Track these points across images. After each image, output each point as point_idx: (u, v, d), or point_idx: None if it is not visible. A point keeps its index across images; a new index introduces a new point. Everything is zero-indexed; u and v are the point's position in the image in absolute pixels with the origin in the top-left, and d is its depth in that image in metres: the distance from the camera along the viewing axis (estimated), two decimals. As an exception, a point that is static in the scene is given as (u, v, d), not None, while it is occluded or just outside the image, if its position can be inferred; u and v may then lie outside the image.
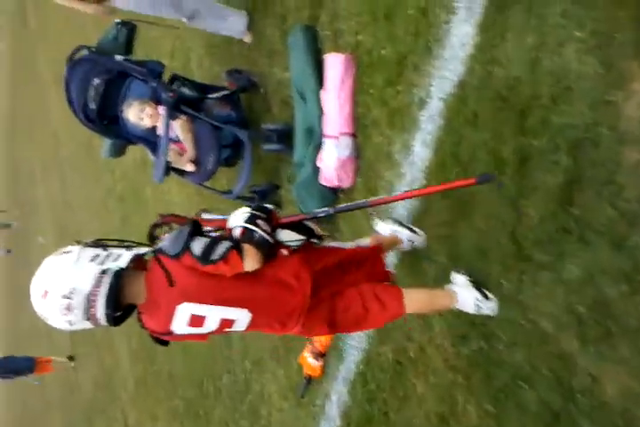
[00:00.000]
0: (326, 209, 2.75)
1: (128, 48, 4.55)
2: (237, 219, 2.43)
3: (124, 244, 2.31)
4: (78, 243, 2.25)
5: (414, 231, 3.12)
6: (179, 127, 4.34)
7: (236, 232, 2.38)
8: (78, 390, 12.12)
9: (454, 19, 2.88)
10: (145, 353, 7.83)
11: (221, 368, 5.58)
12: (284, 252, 2.49)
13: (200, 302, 2.25)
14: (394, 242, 3.11)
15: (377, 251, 2.92)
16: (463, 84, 2.85)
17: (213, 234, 2.47)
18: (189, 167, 4.43)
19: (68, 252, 2.19)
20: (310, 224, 2.72)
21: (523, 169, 2.52)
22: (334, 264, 2.62)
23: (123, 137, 4.80)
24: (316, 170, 3.76)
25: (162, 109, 4.45)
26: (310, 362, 3.93)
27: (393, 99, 3.30)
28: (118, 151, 5.27)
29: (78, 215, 12.76)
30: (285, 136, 4.28)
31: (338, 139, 3.60)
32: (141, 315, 2.32)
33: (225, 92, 4.70)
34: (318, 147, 3.76)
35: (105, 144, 5.22)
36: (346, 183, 3.64)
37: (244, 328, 2.37)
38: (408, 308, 2.55)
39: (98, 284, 2.12)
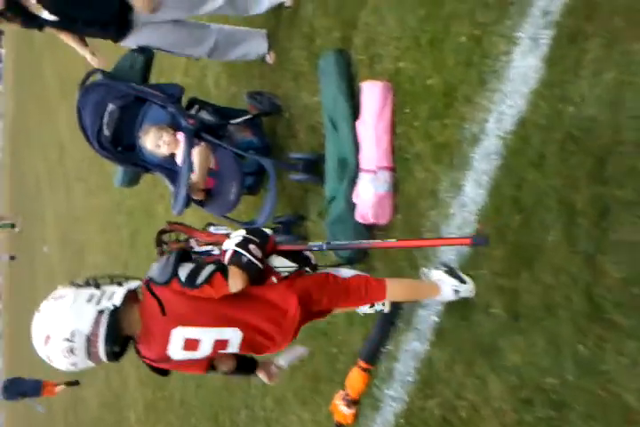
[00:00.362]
0: (320, 244, 2.78)
1: (145, 76, 4.29)
2: (231, 242, 2.52)
3: (114, 280, 2.40)
4: (72, 284, 2.36)
5: (462, 280, 2.85)
6: (196, 154, 4.07)
7: (227, 254, 2.47)
8: (83, 405, 11.85)
9: (516, 50, 2.61)
10: (154, 379, 7.55)
11: (239, 402, 5.29)
12: (274, 279, 2.56)
13: (192, 325, 2.38)
14: (431, 291, 2.89)
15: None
16: (525, 121, 2.57)
17: (206, 249, 2.70)
18: (199, 196, 4.15)
19: (63, 296, 2.29)
20: (309, 253, 2.82)
21: (602, 222, 2.24)
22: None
23: (139, 165, 4.53)
24: (351, 205, 3.48)
25: (181, 136, 4.19)
26: (342, 410, 3.65)
27: (439, 133, 3.03)
28: (132, 180, 5.00)
29: (84, 228, 12.51)
30: (313, 165, 4.01)
31: (375, 173, 3.33)
32: (138, 345, 2.44)
33: (247, 117, 4.44)
34: (352, 180, 3.49)
35: (118, 172, 4.95)
36: (382, 220, 3.37)
37: (236, 348, 2.47)
38: (390, 295, 2.76)
39: (97, 324, 2.25)
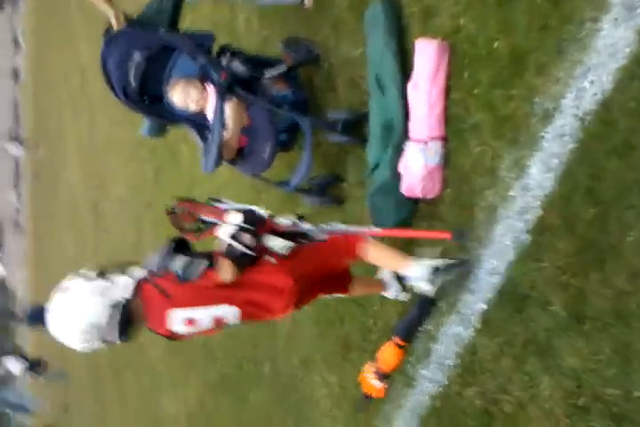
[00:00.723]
0: (313, 228, 2.90)
1: (173, 21, 3.95)
2: (224, 232, 2.67)
3: (120, 269, 2.59)
4: (82, 276, 2.51)
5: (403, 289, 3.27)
6: (229, 110, 3.78)
7: (220, 244, 2.65)
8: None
9: (605, 18, 2.26)
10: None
11: (264, 355, 5.20)
12: (272, 260, 2.72)
13: (188, 306, 2.52)
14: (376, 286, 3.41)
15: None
16: (610, 102, 2.26)
17: (213, 220, 2.81)
18: (230, 155, 3.88)
19: (79, 290, 2.46)
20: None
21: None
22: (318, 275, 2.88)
23: (166, 117, 4.25)
24: (396, 176, 3.21)
25: (211, 90, 3.89)
26: (373, 383, 3.50)
27: (504, 104, 2.71)
28: (160, 130, 4.72)
29: (107, 160, 12.31)
30: (353, 126, 3.71)
31: (426, 144, 3.03)
32: (148, 325, 2.60)
33: (282, 69, 4.10)
34: (399, 148, 3.20)
35: (145, 122, 4.67)
36: (430, 195, 3.10)
37: (237, 321, 2.60)
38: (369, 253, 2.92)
39: (112, 318, 2.43)
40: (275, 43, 4.39)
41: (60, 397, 18.08)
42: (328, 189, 4.03)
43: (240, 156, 3.99)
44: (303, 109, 4.11)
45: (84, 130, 15.14)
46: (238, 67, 4.10)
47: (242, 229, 2.67)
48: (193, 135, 4.16)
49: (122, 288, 2.51)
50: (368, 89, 3.50)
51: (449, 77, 3.02)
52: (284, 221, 2.90)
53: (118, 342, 2.50)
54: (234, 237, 2.64)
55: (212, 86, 3.89)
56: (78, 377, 14.75)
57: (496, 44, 2.74)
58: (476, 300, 2.86)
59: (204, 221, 2.88)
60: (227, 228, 2.69)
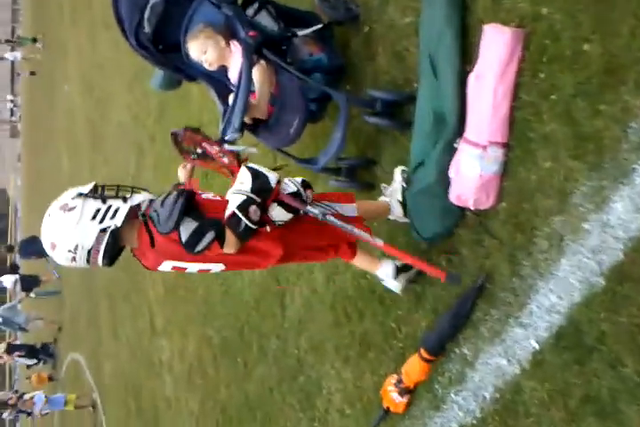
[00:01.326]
0: (317, 212, 2.76)
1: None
2: (233, 200, 2.58)
3: (120, 192, 2.57)
4: (77, 192, 2.53)
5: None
6: (257, 74, 3.33)
7: (226, 213, 2.56)
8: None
9: None
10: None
11: (269, 329, 4.94)
12: (267, 228, 2.68)
13: (179, 261, 2.66)
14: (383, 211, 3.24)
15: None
16: None
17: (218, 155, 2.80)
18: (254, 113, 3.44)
19: (72, 208, 2.48)
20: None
21: None
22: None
23: (181, 70, 3.79)
24: (444, 179, 2.81)
25: (236, 47, 3.43)
26: (393, 397, 3.25)
27: (588, 119, 2.29)
28: (173, 83, 4.24)
29: (109, 80, 11.71)
30: (396, 107, 3.28)
31: (485, 149, 2.62)
32: (136, 252, 2.71)
33: (317, 26, 3.61)
34: (450, 146, 2.78)
35: (155, 72, 4.19)
36: (483, 207, 2.72)
37: (219, 271, 2.82)
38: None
39: (99, 241, 2.49)
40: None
41: (55, 318, 18.24)
42: (358, 172, 3.63)
43: (264, 125, 3.57)
44: (338, 77, 3.67)
45: (85, 43, 14.42)
46: (268, 21, 3.62)
47: (249, 200, 2.57)
48: (211, 93, 3.73)
49: (115, 214, 2.51)
50: (418, 68, 3.04)
51: (520, 74, 2.57)
52: (291, 187, 2.76)
53: (101, 265, 2.60)
54: (240, 208, 2.55)
55: (236, 44, 3.42)
56: (74, 301, 14.73)
57: (586, 47, 2.29)
58: (527, 336, 2.54)
59: (204, 152, 2.83)
60: (234, 197, 2.59)
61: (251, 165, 2.73)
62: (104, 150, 12.16)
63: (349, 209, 3.03)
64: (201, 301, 6.57)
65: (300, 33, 3.53)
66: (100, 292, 11.95)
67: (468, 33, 2.82)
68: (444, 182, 2.81)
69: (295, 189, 2.77)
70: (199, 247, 2.48)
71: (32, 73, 29.68)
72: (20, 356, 17.56)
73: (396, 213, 3.21)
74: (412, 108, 3.19)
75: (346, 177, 3.61)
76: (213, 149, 2.84)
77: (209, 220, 2.55)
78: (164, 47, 3.71)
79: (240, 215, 2.53)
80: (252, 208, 2.56)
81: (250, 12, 3.62)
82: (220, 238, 2.52)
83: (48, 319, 18.21)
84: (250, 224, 2.54)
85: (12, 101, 47.08)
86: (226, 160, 2.82)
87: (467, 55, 2.80)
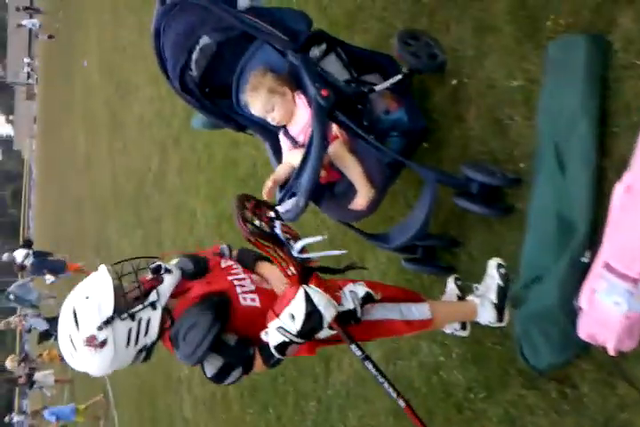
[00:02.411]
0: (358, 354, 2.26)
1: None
2: (273, 337, 2.10)
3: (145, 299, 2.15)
4: (106, 324, 2.07)
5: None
6: (332, 150, 2.77)
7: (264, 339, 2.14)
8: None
9: None
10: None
11: (309, 389, 4.41)
12: None
13: None
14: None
15: None
16: None
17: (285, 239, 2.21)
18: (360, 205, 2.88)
19: (103, 343, 2.07)
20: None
21: None
22: None
23: (230, 119, 3.22)
24: (568, 304, 2.25)
25: (302, 101, 2.87)
26: None
27: None
28: (217, 125, 3.66)
29: (131, 65, 11.10)
30: (495, 192, 2.71)
31: (636, 284, 2.06)
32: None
33: (398, 78, 3.02)
34: (577, 262, 2.23)
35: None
36: (622, 348, 2.17)
37: None
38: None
39: (136, 358, 2.18)
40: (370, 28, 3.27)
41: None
42: (436, 256, 3.07)
43: (329, 193, 3.02)
44: (418, 141, 3.09)
45: (108, 22, 13.79)
46: (337, 68, 3.05)
47: (292, 343, 2.11)
48: (265, 146, 3.18)
49: (148, 327, 2.15)
50: (536, 154, 2.47)
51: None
52: (348, 303, 2.30)
53: None
54: (280, 349, 2.13)
55: (301, 96, 2.87)
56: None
57: None
58: None
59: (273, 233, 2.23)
60: (276, 334, 2.09)
61: (312, 289, 2.11)
62: (124, 138, 11.62)
63: (420, 311, 2.54)
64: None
65: (379, 88, 2.94)
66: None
67: (608, 119, 2.25)
68: (568, 308, 2.25)
69: (352, 306, 2.29)
70: (224, 383, 2.18)
71: (50, 36, 29.24)
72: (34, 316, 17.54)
73: (487, 317, 2.67)
74: (516, 192, 2.64)
75: (423, 258, 3.05)
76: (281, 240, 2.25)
77: (238, 349, 2.18)
78: (210, 91, 3.15)
79: (276, 354, 2.15)
80: (292, 348, 2.16)
81: (315, 53, 3.03)
82: (247, 371, 2.19)
83: (60, 298, 17.89)
84: (282, 358, 2.19)
85: (28, 65, 46.65)
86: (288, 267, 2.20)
87: (604, 146, 2.23)
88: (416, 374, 3.27)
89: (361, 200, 2.81)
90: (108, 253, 12.27)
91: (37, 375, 18.80)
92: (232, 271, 2.38)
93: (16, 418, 22.09)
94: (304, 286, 2.10)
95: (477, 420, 2.86)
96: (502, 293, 2.63)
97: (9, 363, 19.59)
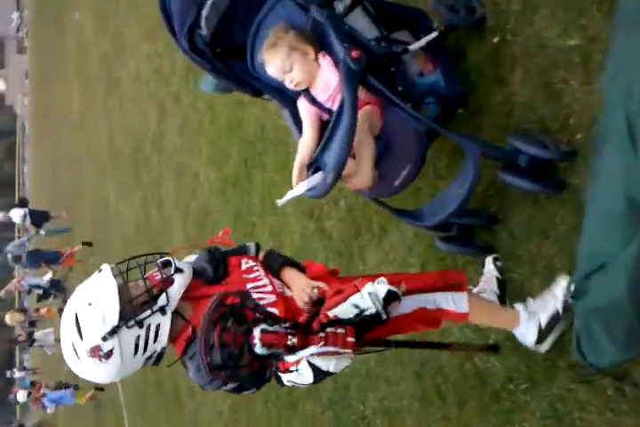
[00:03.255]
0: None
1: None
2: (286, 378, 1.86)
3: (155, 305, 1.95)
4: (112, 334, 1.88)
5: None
6: (360, 116, 2.46)
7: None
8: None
9: None
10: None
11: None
12: None
13: None
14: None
15: None
16: None
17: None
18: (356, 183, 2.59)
19: (109, 354, 1.89)
20: None
21: None
22: None
23: (244, 83, 2.91)
24: (638, 295, 2.00)
25: (326, 62, 2.55)
26: None
27: None
28: (229, 88, 3.34)
29: (126, 19, 10.59)
30: (546, 166, 2.42)
31: None
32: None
33: (433, 36, 2.70)
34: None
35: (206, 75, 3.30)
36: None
37: None
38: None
39: (145, 365, 2.03)
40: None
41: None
42: (473, 234, 2.80)
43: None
44: (455, 107, 2.79)
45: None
46: (364, 24, 2.74)
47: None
48: (283, 113, 2.87)
49: (157, 334, 1.97)
50: (600, 125, 2.17)
51: None
52: (366, 304, 1.91)
53: None
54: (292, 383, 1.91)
55: (326, 56, 2.55)
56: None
57: None
58: None
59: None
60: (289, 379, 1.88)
61: (315, 361, 1.83)
62: (120, 95, 11.21)
63: (457, 301, 2.26)
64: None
65: (413, 47, 2.62)
66: (115, 243, 11.28)
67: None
68: (637, 300, 1.99)
69: (374, 310, 1.91)
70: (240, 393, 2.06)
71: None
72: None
73: (525, 335, 2.39)
74: (569, 165, 2.36)
75: (458, 237, 2.78)
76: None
77: (256, 376, 1.92)
78: (222, 51, 2.83)
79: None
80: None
81: (339, 8, 2.71)
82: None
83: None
84: None
85: (19, 17, 45.54)
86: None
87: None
88: (446, 361, 3.04)
89: (361, 178, 2.50)
90: (105, 212, 12.03)
91: (37, 334, 18.83)
92: (252, 275, 2.15)
93: (17, 374, 22.27)
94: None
95: (518, 412, 2.63)
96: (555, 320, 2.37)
97: (8, 317, 19.67)
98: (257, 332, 1.77)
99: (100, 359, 1.91)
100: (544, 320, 2.32)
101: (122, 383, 10.94)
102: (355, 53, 2.37)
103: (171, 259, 2.03)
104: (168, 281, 2.00)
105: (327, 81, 2.56)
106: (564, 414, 2.42)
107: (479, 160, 2.39)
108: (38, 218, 16.68)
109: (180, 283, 2.02)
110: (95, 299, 1.91)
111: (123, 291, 1.91)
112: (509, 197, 2.66)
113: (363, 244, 3.62)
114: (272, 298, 2.10)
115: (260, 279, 2.14)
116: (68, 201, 18.17)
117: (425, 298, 2.24)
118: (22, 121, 47.61)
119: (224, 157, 5.94)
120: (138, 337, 1.94)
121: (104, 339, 1.88)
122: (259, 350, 1.77)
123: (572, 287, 2.16)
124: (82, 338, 1.89)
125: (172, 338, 2.04)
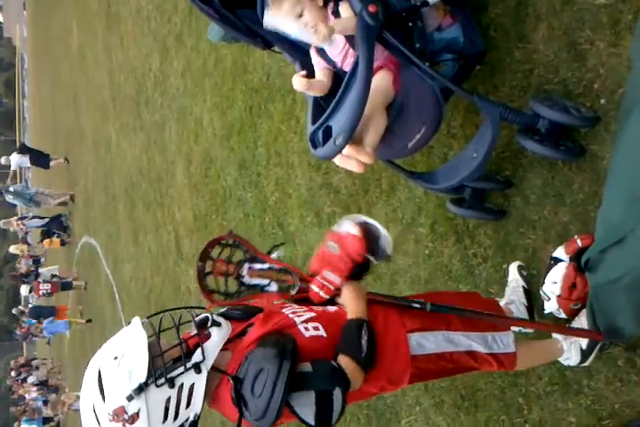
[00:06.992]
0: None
1: None
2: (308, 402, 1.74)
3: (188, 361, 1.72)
4: (138, 393, 1.64)
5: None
6: (377, 78, 2.36)
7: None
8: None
9: None
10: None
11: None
12: None
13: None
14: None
15: None
16: None
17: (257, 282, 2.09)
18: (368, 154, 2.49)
19: (135, 418, 1.64)
20: None
21: None
22: None
23: (254, 34, 2.79)
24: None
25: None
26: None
27: None
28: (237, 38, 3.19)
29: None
30: (567, 131, 2.33)
31: None
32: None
33: (454, -12, 2.56)
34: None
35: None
36: None
37: None
38: None
39: None
40: None
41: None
42: (488, 196, 2.74)
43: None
44: (473, 65, 2.67)
45: None
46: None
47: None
48: (296, 69, 2.76)
49: (190, 399, 1.72)
50: (627, 91, 2.08)
51: None
52: None
53: None
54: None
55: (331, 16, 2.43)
56: (88, 186, 14.02)
57: None
58: None
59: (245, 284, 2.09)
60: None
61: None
62: (120, 32, 10.89)
63: (504, 341, 2.16)
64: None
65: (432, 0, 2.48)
66: (117, 189, 11.21)
67: None
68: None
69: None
70: (335, 419, 1.73)
71: None
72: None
73: (569, 360, 2.37)
74: (590, 131, 2.28)
75: (471, 200, 2.72)
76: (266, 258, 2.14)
77: (322, 369, 1.78)
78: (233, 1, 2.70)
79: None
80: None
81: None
82: (347, 386, 1.78)
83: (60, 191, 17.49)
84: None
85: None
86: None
87: None
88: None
89: (368, 149, 2.40)
90: (107, 151, 11.88)
91: (42, 270, 19.00)
92: (286, 306, 2.03)
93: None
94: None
95: (524, 375, 2.63)
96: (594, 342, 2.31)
97: (13, 247, 19.82)
98: (245, 267, 2.04)
99: (123, 425, 1.66)
100: (585, 344, 2.30)
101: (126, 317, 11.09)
102: (372, 8, 2.25)
103: (208, 315, 1.84)
104: (204, 335, 1.78)
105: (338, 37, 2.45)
106: (573, 380, 2.42)
107: (498, 125, 2.31)
108: (38, 161, 16.53)
109: (218, 337, 1.80)
110: (122, 352, 1.70)
111: (153, 344, 1.71)
112: (525, 161, 2.58)
113: (371, 200, 3.55)
114: (312, 314, 1.97)
115: (295, 307, 2.02)
116: (68, 140, 17.98)
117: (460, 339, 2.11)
118: (21, 54, 46.68)
119: (228, 102, 5.80)
120: (168, 399, 1.69)
121: (129, 398, 1.65)
122: (246, 280, 2.02)
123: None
124: (104, 399, 1.67)
125: (210, 399, 1.82)
